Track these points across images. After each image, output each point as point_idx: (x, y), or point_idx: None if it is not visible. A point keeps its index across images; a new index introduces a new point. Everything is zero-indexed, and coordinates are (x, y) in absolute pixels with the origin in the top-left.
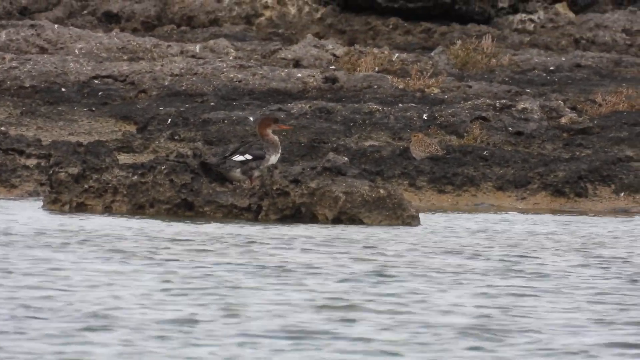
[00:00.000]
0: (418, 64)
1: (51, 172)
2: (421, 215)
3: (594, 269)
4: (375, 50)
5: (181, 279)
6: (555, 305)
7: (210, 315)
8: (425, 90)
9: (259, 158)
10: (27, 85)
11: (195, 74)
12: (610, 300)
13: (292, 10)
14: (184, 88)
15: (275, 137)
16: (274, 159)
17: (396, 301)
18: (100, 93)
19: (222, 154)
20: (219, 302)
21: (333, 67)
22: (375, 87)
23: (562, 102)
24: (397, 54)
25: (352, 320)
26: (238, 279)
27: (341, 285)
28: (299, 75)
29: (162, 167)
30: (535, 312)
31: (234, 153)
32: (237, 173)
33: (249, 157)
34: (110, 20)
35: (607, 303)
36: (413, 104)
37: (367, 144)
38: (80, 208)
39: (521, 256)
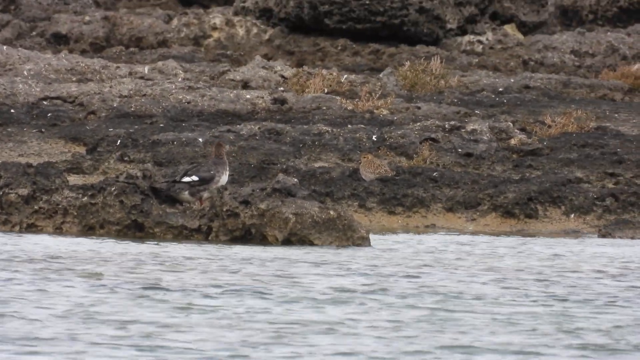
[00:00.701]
0: (367, 85)
1: (1, 193)
2: (371, 237)
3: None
4: (324, 71)
5: None
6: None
7: None
8: (375, 111)
9: (207, 180)
10: None
11: (144, 95)
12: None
13: (241, 31)
14: (133, 109)
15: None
16: (223, 179)
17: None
18: (49, 114)
19: (172, 177)
20: None
21: (282, 88)
22: (325, 108)
23: (511, 124)
24: (345, 75)
25: None
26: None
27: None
28: (248, 96)
29: (112, 189)
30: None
31: (183, 176)
32: (186, 195)
33: (195, 178)
34: (59, 41)
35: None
36: (362, 125)
37: (316, 165)
38: (31, 229)
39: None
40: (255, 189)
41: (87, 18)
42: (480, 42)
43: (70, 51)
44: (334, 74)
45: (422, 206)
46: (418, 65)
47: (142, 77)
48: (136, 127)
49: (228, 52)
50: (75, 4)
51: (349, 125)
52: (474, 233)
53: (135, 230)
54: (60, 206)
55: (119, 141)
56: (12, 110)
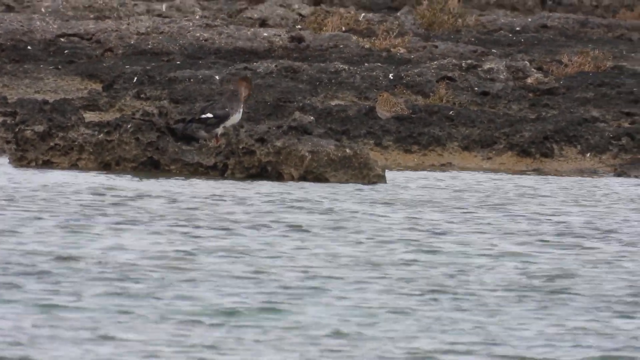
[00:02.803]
0: (384, 23)
1: (17, 130)
2: (387, 174)
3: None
4: (342, 10)
5: None
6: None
7: None
8: (392, 50)
9: (221, 117)
10: None
11: (162, 32)
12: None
13: None
14: (150, 47)
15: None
16: (236, 116)
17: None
18: (66, 51)
19: (188, 114)
20: None
21: (299, 26)
22: (342, 46)
23: (528, 63)
24: (363, 14)
25: None
26: None
27: None
28: (265, 34)
29: (128, 126)
30: None
31: (200, 114)
32: (201, 132)
33: (210, 115)
34: None
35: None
36: (379, 64)
37: (333, 103)
38: (47, 165)
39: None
40: (272, 127)
41: None
42: None
43: None
44: (352, 12)
45: (438, 145)
46: (436, 4)
47: (159, 15)
48: (153, 64)
49: None
50: None
51: (365, 64)
52: (490, 171)
53: (151, 167)
54: (76, 143)
55: (135, 78)
56: (28, 47)
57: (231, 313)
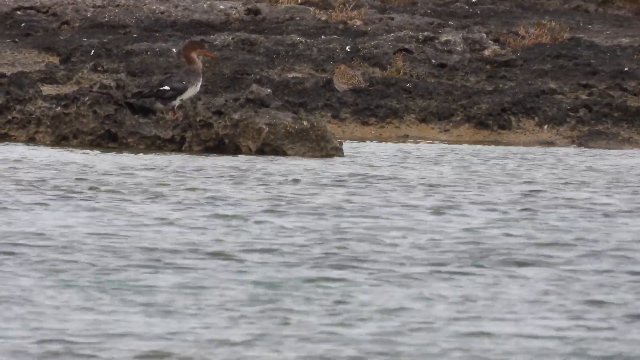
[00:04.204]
0: None
1: None
2: (345, 146)
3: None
4: None
5: None
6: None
7: None
8: (348, 22)
9: (178, 90)
10: None
11: (118, 5)
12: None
13: None
14: (106, 19)
15: (199, 63)
16: (193, 89)
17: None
18: (22, 24)
19: (145, 87)
20: None
21: None
22: (298, 19)
23: (484, 35)
24: None
25: None
26: None
27: None
28: (222, 7)
29: (86, 99)
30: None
31: (158, 87)
32: (159, 104)
33: (167, 88)
34: None
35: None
36: (336, 36)
37: (290, 75)
38: (4, 138)
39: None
40: (229, 100)
41: None
42: None
43: None
44: None
45: (396, 117)
46: None
47: None
48: (110, 37)
49: None
50: None
51: (322, 36)
52: (446, 142)
53: (109, 140)
54: (33, 116)
55: (92, 51)
56: None
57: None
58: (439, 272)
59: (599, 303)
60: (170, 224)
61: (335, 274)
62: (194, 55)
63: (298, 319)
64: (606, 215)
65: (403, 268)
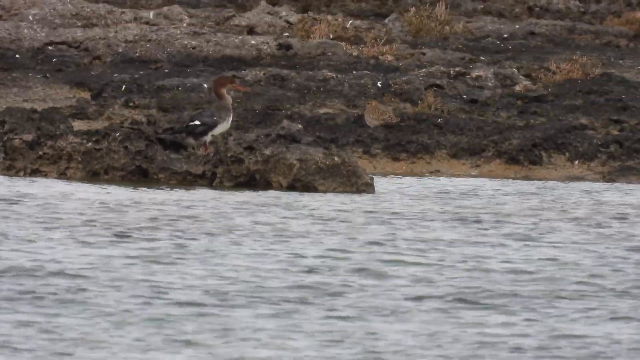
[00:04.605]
0: (372, 31)
1: (5, 138)
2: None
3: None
4: (329, 17)
5: None
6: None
7: None
8: (379, 57)
9: (209, 125)
10: None
11: (149, 40)
12: None
13: None
14: (138, 55)
15: (229, 99)
16: (224, 125)
17: None
18: (54, 59)
19: (177, 122)
20: None
21: (287, 34)
22: (330, 54)
23: (516, 70)
24: (350, 21)
25: None
26: None
27: None
28: (253, 42)
29: (117, 134)
30: None
31: (189, 122)
32: (190, 140)
33: (198, 123)
34: None
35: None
36: (367, 71)
37: (321, 111)
38: (35, 174)
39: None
40: (260, 135)
41: None
42: None
43: None
44: (339, 19)
45: (427, 152)
46: (423, 11)
47: (147, 22)
48: (141, 72)
49: None
50: None
51: (353, 72)
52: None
53: (140, 176)
54: (64, 152)
55: (123, 87)
56: (17, 56)
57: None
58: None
59: None
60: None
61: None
62: (223, 90)
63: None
64: None
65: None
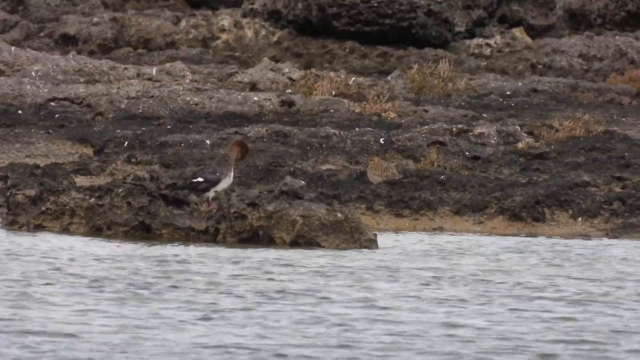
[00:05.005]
0: (375, 87)
1: (8, 194)
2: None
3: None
4: (332, 74)
5: None
6: None
7: None
8: (382, 114)
9: (212, 181)
10: None
11: (152, 96)
12: None
13: (249, 33)
14: (140, 111)
15: (233, 158)
16: (227, 180)
17: None
18: (57, 115)
19: (179, 178)
20: None
21: (289, 90)
22: (332, 111)
23: (518, 127)
24: (353, 78)
25: None
26: None
27: None
28: (256, 98)
29: (120, 190)
30: None
31: (192, 178)
32: (192, 196)
33: (201, 180)
34: (67, 42)
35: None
36: (370, 128)
37: (324, 167)
38: (38, 230)
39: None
40: (263, 191)
41: (95, 19)
42: (488, 45)
43: (79, 52)
44: (342, 76)
45: (430, 209)
46: (426, 68)
47: (149, 79)
48: (144, 128)
49: (236, 54)
50: (84, 5)
51: (356, 128)
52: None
53: (143, 231)
54: (67, 207)
55: (126, 142)
56: (19, 112)
57: None
58: None
59: None
60: None
61: None
62: (235, 153)
63: None
64: None
65: None
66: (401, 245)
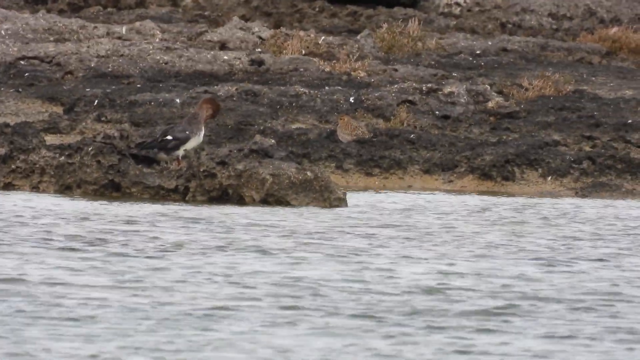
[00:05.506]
0: (344, 47)
1: None
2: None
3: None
4: (302, 33)
5: None
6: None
7: None
8: (352, 73)
9: (181, 140)
10: None
11: (122, 55)
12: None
13: None
14: (110, 70)
15: (204, 116)
16: (197, 139)
17: None
18: (26, 74)
19: (149, 137)
20: None
21: (259, 49)
22: (302, 70)
23: (488, 86)
24: (323, 37)
25: None
26: None
27: None
28: (225, 57)
29: (89, 148)
30: None
31: (162, 137)
32: (162, 155)
33: (170, 138)
34: (36, 1)
35: None
36: (339, 87)
37: (293, 126)
38: (8, 188)
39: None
40: (233, 150)
41: None
42: (458, 4)
43: (48, 11)
44: (312, 35)
45: (399, 168)
46: (396, 27)
47: (119, 38)
48: (113, 87)
49: (206, 13)
50: None
51: (326, 87)
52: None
53: (112, 190)
54: (37, 166)
55: (96, 101)
56: None
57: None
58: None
59: None
60: None
61: None
62: (205, 110)
63: None
64: None
65: None
66: (370, 203)
